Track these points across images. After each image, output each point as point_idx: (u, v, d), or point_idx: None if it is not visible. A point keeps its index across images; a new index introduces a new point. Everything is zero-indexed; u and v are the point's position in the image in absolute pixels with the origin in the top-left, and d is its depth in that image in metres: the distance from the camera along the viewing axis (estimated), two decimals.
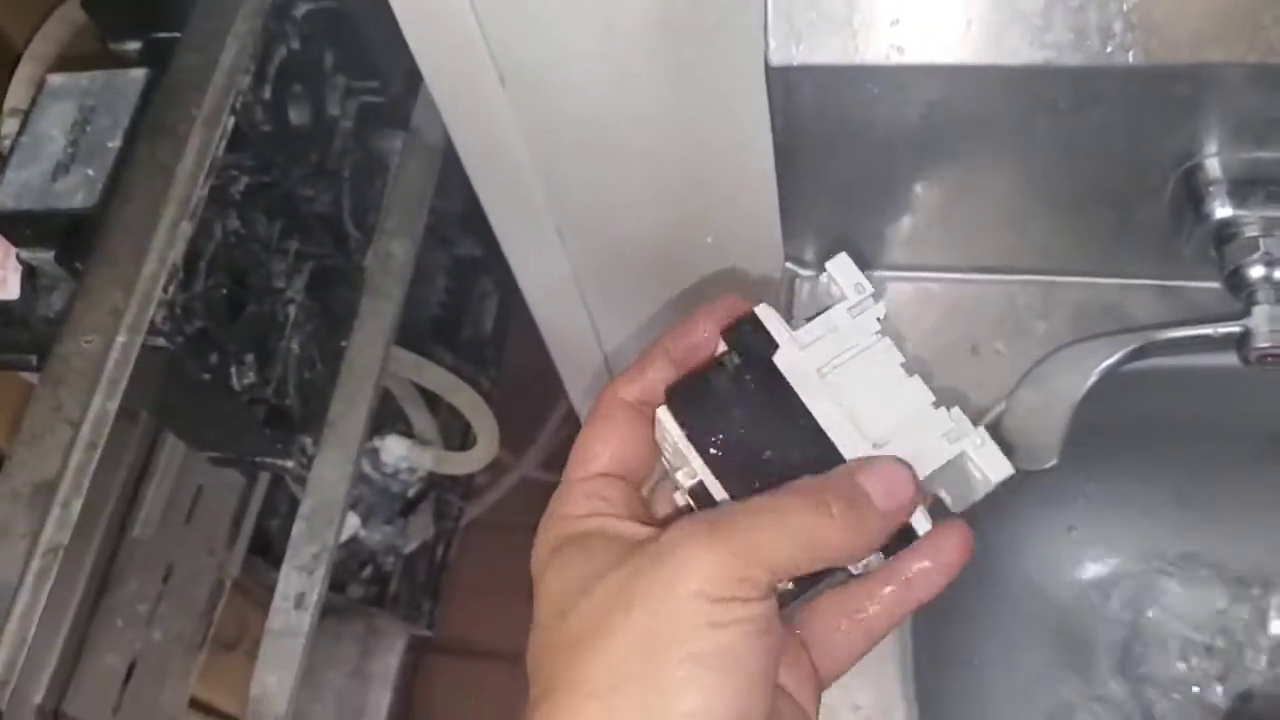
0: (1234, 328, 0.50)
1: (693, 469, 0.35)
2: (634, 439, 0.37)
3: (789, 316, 0.63)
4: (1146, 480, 0.65)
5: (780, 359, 0.36)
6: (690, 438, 0.35)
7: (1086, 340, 0.55)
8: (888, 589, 0.37)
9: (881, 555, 0.36)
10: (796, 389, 0.36)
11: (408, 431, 1.03)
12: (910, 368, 0.38)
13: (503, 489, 1.35)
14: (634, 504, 0.37)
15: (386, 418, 1.04)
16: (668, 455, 0.37)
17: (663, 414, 0.35)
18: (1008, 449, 0.54)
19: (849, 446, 0.36)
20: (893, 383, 0.37)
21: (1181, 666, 0.65)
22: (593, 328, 0.87)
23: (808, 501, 0.33)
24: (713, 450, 0.35)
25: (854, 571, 0.36)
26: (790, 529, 0.32)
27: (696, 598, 0.31)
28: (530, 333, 0.91)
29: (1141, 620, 0.66)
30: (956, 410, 0.37)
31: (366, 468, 0.96)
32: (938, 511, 0.37)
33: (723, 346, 0.37)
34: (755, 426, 0.35)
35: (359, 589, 1.06)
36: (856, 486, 0.34)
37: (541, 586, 0.34)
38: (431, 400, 1.05)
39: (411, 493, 1.01)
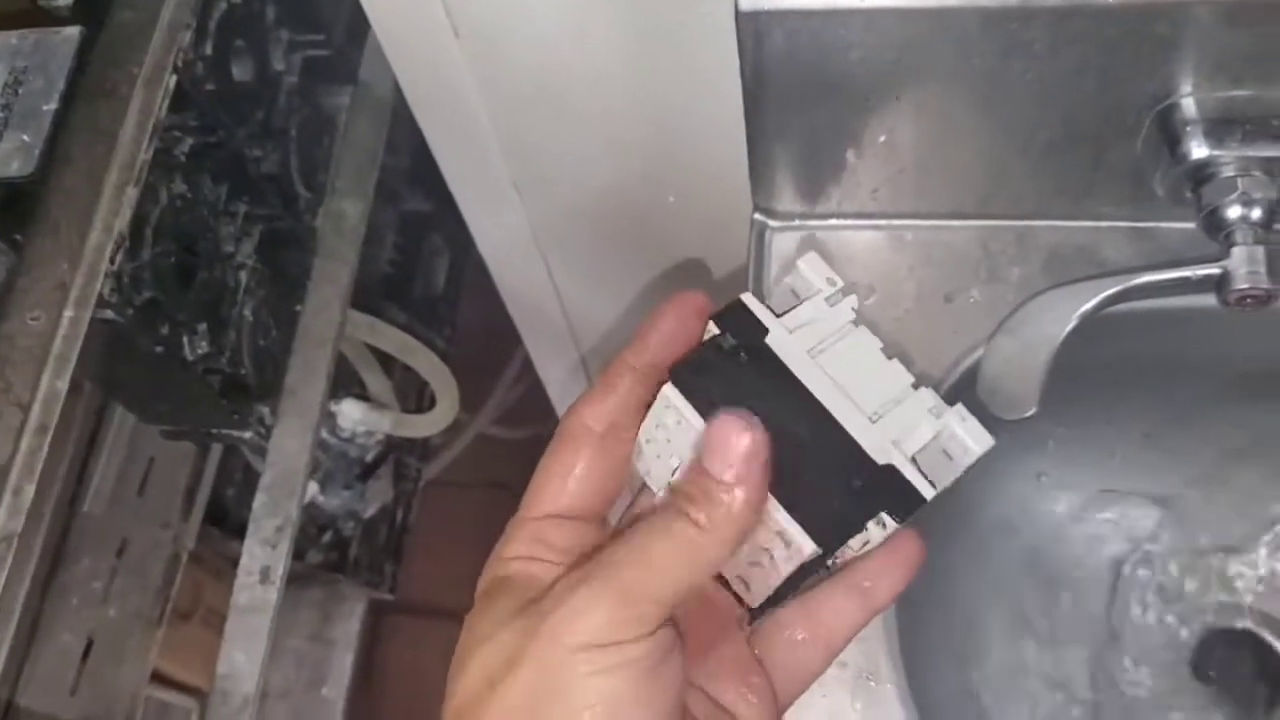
0: (1213, 270, 0.50)
1: None
2: (599, 467, 0.35)
3: (760, 268, 0.62)
4: (1115, 423, 0.64)
5: (773, 340, 0.37)
6: (703, 415, 0.34)
7: (1063, 285, 0.54)
8: (845, 599, 0.37)
9: (893, 524, 0.36)
10: (791, 368, 0.36)
11: (363, 394, 1.01)
12: (888, 352, 0.39)
13: (459, 447, 1.34)
14: (584, 543, 0.35)
15: (341, 381, 1.02)
16: (659, 445, 0.36)
17: (671, 392, 0.35)
18: (987, 396, 0.55)
19: (848, 420, 0.36)
20: (875, 365, 0.38)
21: (1150, 606, 0.66)
22: (552, 284, 0.86)
23: (674, 522, 0.32)
24: None
25: (854, 551, 0.36)
26: (667, 558, 0.32)
27: (583, 649, 0.30)
28: (482, 288, 0.90)
29: (1111, 562, 0.67)
30: (931, 390, 0.38)
31: (323, 433, 0.94)
32: None
33: (714, 330, 0.37)
34: (760, 403, 0.35)
35: (318, 555, 1.04)
36: (708, 479, 0.32)
37: (463, 630, 0.34)
38: (385, 361, 1.03)
39: (370, 457, 0.99)
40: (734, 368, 0.36)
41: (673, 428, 0.35)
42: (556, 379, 1.03)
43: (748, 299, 0.38)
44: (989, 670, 0.64)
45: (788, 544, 0.34)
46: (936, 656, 0.57)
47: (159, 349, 0.60)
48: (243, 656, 0.62)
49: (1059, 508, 0.67)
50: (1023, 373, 0.53)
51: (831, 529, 0.34)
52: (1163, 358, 0.60)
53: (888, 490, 0.35)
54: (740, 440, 0.32)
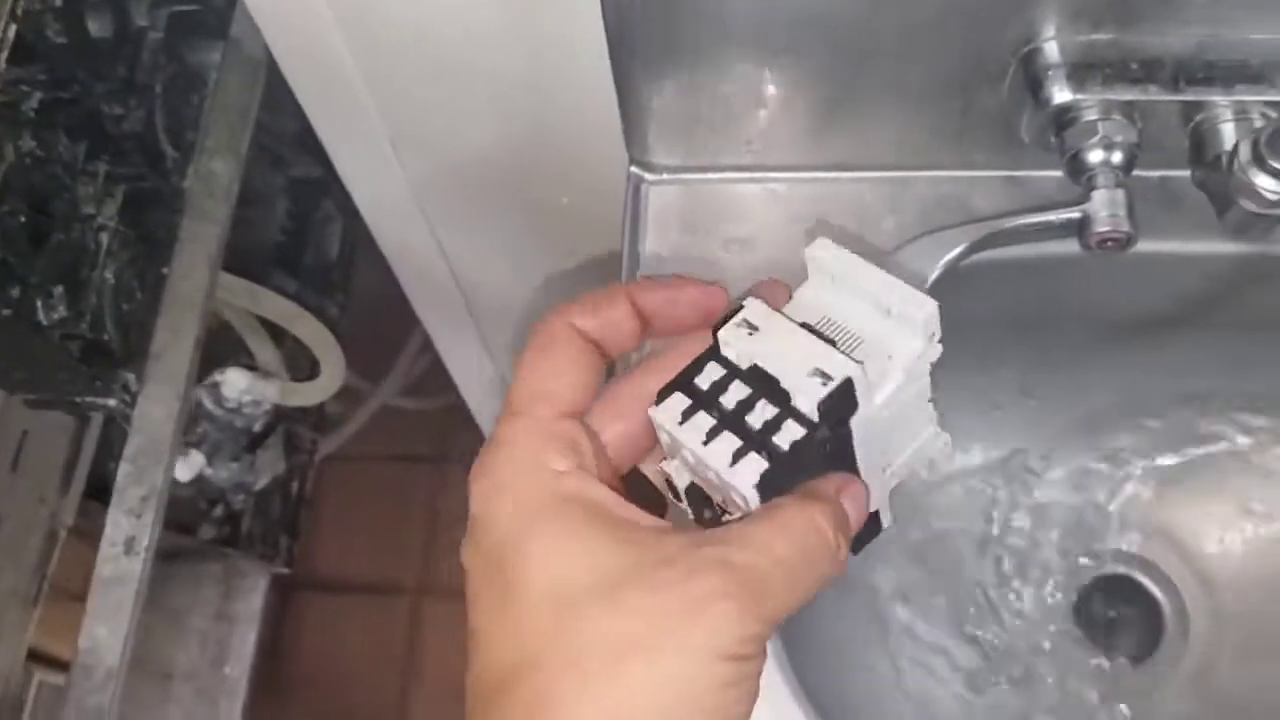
0: (1073, 213, 0.50)
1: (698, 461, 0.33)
2: (588, 373, 0.34)
3: (636, 222, 0.61)
4: (991, 373, 0.65)
5: (856, 420, 0.34)
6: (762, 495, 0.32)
7: (927, 235, 0.54)
8: None
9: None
10: (855, 436, 0.34)
11: (252, 364, 0.98)
12: (930, 396, 0.36)
13: (361, 419, 1.32)
14: (599, 457, 0.34)
15: (229, 351, 0.99)
16: (699, 468, 0.34)
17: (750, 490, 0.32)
18: None
19: (870, 476, 0.35)
20: (916, 415, 0.36)
21: (1036, 552, 0.66)
22: (438, 245, 0.84)
23: (825, 549, 0.32)
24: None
25: None
26: (810, 578, 0.32)
27: (723, 659, 0.30)
28: (381, 256, 0.88)
29: (989, 516, 0.67)
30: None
31: (208, 403, 0.92)
32: None
33: (811, 413, 0.33)
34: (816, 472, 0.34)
35: (210, 530, 1.02)
36: (845, 517, 0.33)
37: (520, 552, 0.31)
38: (277, 331, 1.00)
39: (257, 427, 0.97)
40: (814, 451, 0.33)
41: (738, 497, 0.33)
42: (452, 346, 1.02)
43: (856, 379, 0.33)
44: (868, 633, 0.64)
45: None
46: (813, 618, 0.57)
47: (8, 312, 0.57)
48: (105, 630, 0.60)
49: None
50: None
51: None
52: (1036, 307, 0.61)
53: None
54: (864, 510, 0.34)
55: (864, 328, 0.34)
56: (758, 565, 0.31)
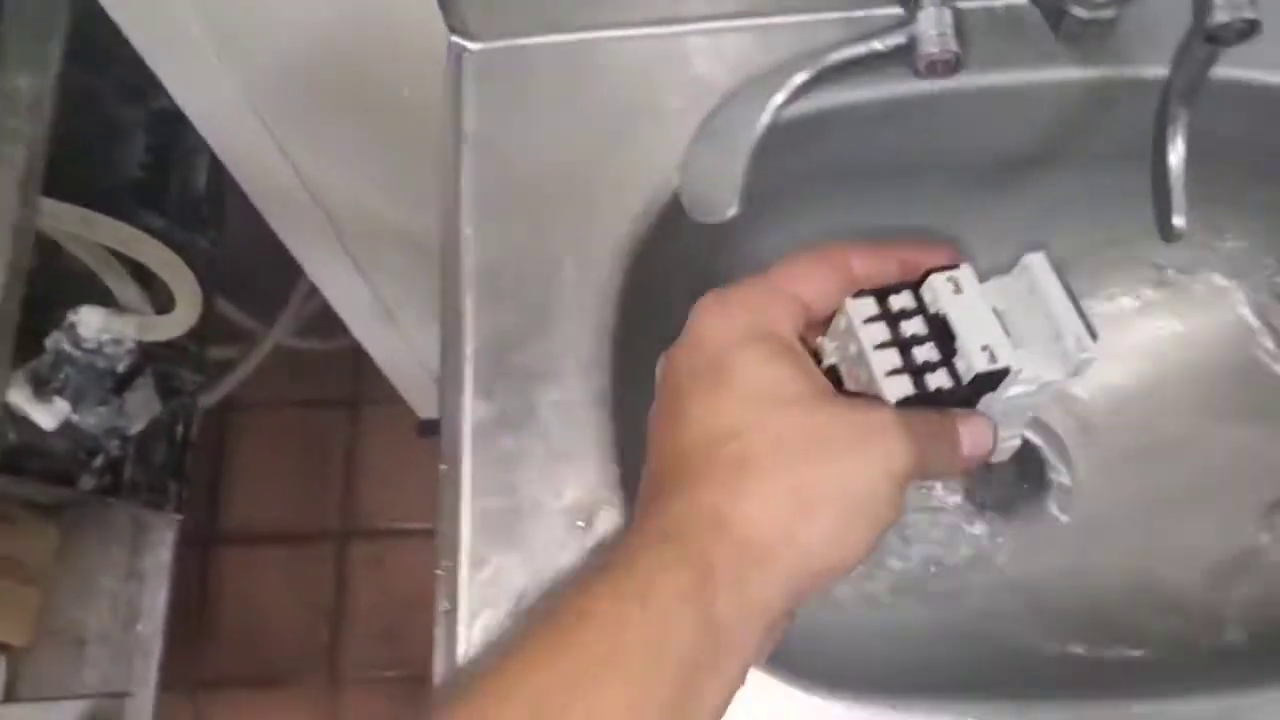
0: (899, 38, 0.47)
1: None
2: (835, 296, 0.40)
3: (458, 94, 0.57)
4: (855, 226, 0.62)
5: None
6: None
7: (755, 81, 0.51)
8: None
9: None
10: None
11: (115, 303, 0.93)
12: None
13: (254, 362, 1.27)
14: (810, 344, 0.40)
15: (90, 292, 0.94)
16: (871, 361, 0.39)
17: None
18: (690, 203, 0.51)
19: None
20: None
21: None
22: (290, 163, 0.80)
23: (954, 451, 0.39)
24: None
25: None
26: (946, 455, 0.39)
27: (889, 476, 0.36)
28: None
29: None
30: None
31: (67, 346, 0.87)
32: None
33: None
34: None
35: (91, 480, 0.97)
36: (960, 440, 0.40)
37: (735, 359, 0.38)
38: (145, 273, 0.95)
39: (121, 367, 0.92)
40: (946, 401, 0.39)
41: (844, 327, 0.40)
42: (327, 275, 0.97)
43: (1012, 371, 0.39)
44: None
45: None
46: None
47: None
48: None
49: None
50: (722, 175, 0.50)
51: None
52: (894, 155, 0.58)
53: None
54: (986, 445, 0.41)
55: (1034, 338, 0.39)
56: (916, 426, 0.37)
